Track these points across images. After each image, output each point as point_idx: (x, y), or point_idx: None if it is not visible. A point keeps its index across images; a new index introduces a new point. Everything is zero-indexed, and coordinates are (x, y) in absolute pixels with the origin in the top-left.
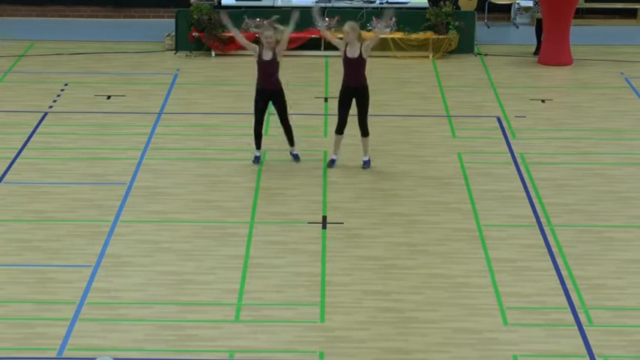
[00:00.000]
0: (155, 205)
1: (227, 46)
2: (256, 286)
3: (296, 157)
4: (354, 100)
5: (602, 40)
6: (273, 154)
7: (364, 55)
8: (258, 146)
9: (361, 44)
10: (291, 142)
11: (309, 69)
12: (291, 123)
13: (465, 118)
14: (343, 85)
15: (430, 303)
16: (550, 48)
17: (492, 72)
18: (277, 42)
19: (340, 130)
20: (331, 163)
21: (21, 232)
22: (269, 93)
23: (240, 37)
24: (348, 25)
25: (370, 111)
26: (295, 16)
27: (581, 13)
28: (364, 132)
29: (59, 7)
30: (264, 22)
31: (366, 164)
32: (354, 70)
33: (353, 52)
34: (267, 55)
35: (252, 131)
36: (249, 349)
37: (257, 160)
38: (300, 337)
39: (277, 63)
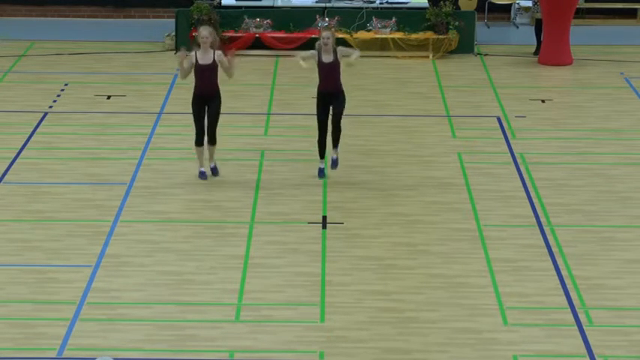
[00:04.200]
0: (155, 205)
1: (227, 47)
2: (256, 286)
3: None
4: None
5: (602, 40)
6: (273, 154)
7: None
8: (322, 155)
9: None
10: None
11: (308, 69)
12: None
13: (465, 118)
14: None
15: (430, 303)
16: (550, 48)
17: (492, 72)
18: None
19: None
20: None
21: (21, 232)
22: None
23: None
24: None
25: (370, 111)
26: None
27: (581, 13)
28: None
29: (59, 7)
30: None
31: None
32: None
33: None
34: (328, 58)
35: (251, 131)
36: (249, 349)
37: (322, 172)
38: (300, 337)
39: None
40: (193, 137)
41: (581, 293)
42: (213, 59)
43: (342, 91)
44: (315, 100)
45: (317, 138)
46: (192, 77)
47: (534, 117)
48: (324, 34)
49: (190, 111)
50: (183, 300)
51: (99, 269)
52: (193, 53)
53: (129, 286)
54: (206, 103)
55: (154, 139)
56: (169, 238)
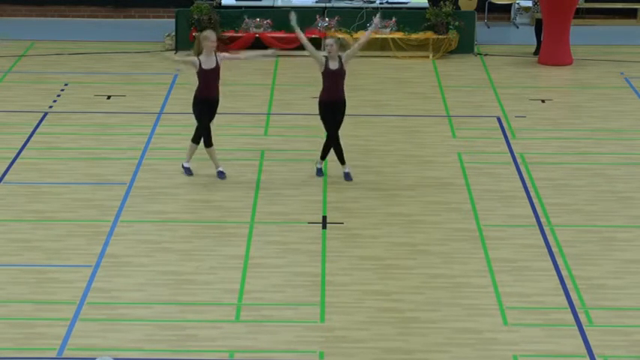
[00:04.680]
0: (155, 205)
1: (227, 47)
2: (256, 286)
3: (347, 176)
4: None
5: (602, 40)
6: (273, 154)
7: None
8: (324, 157)
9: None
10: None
11: (308, 69)
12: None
13: (465, 118)
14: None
15: (430, 303)
16: (550, 48)
17: (492, 72)
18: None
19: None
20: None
21: (21, 232)
22: (337, 105)
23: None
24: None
25: (370, 111)
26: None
27: (581, 13)
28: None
29: (59, 7)
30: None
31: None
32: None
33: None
34: (334, 65)
35: (251, 131)
36: (249, 349)
37: (320, 172)
38: (300, 337)
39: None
40: (194, 137)
41: (581, 293)
42: (216, 62)
43: (345, 102)
44: (313, 102)
45: (325, 142)
46: (195, 79)
47: (534, 117)
48: (327, 41)
49: (190, 111)
50: (183, 300)
51: (99, 269)
52: (196, 59)
53: (129, 286)
54: (210, 107)
55: (154, 139)
56: (169, 238)
